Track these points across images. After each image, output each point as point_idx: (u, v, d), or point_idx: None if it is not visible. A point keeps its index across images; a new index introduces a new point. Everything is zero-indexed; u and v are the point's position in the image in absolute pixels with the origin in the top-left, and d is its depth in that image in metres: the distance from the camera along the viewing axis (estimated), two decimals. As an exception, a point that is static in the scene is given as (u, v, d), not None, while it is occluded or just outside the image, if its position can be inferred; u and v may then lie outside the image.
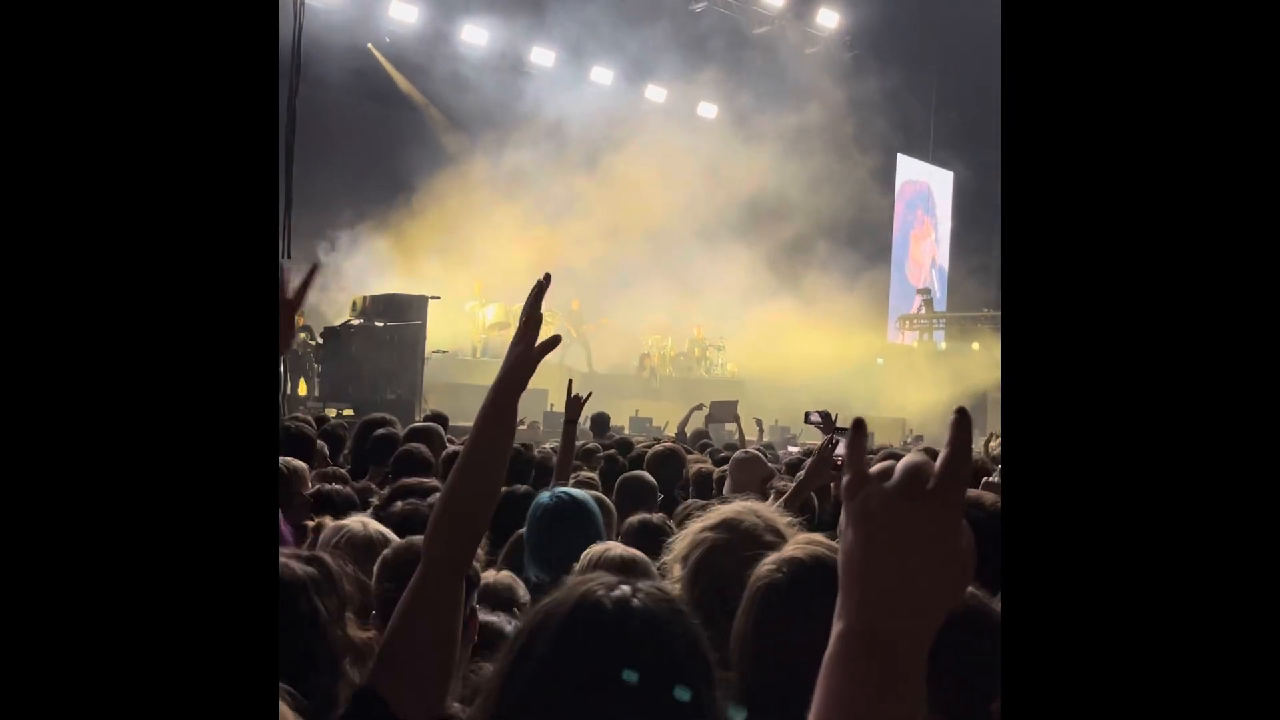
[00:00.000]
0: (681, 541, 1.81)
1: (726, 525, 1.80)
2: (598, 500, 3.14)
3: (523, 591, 2.40)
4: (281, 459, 3.25)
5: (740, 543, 1.75)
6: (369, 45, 18.56)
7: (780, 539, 1.72)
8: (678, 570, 1.79)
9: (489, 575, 2.41)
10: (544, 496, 2.87)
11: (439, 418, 6.40)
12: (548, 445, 6.68)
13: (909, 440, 13.54)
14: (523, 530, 2.94)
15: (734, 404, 10.56)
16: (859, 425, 0.84)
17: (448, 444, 5.07)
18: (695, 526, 1.82)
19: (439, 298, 12.79)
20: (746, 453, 4.41)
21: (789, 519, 1.89)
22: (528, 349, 1.50)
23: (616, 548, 2.32)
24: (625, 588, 1.08)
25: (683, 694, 1.00)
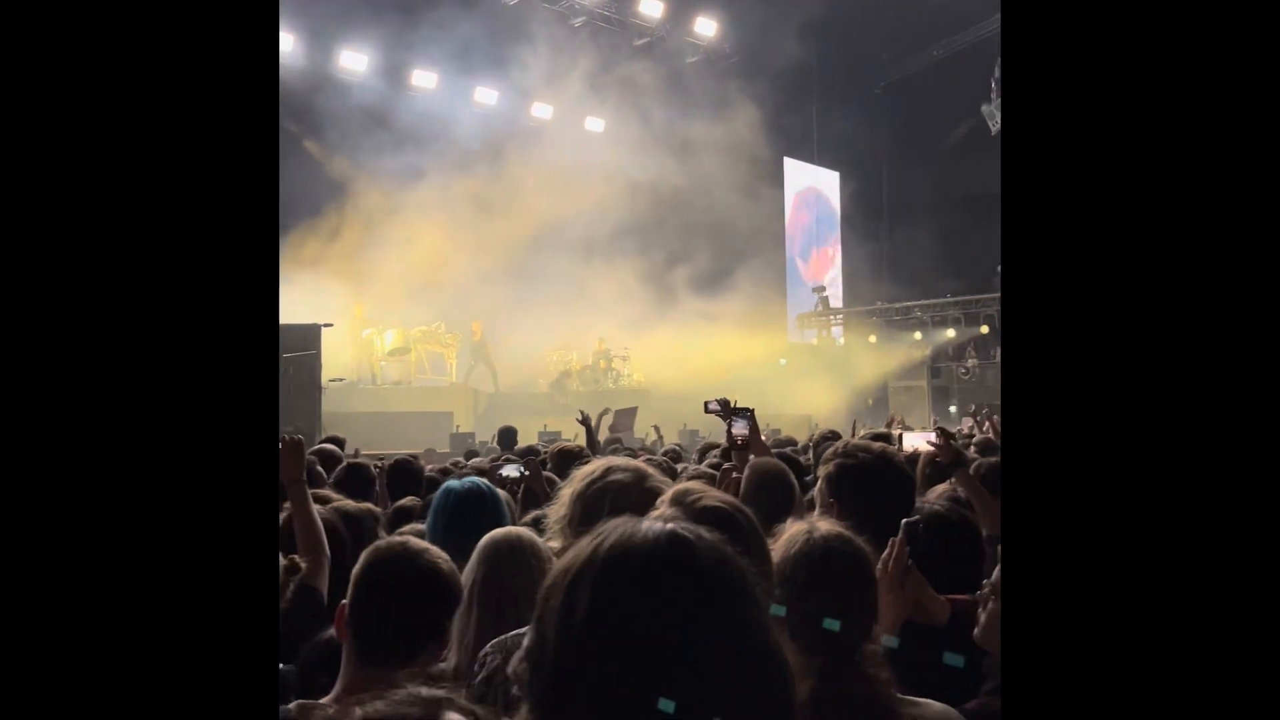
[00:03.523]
0: (561, 506, 1.77)
1: (611, 469, 1.77)
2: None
3: None
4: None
5: (637, 479, 1.73)
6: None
7: (653, 472, 1.73)
8: (560, 539, 1.74)
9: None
10: (453, 484, 2.83)
11: (335, 441, 6.32)
12: (450, 463, 6.58)
13: (814, 434, 13.78)
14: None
15: (633, 411, 10.62)
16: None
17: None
18: (572, 488, 1.77)
19: (331, 325, 12.48)
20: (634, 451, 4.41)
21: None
22: None
23: (515, 530, 2.28)
24: (657, 522, 0.98)
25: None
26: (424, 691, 1.08)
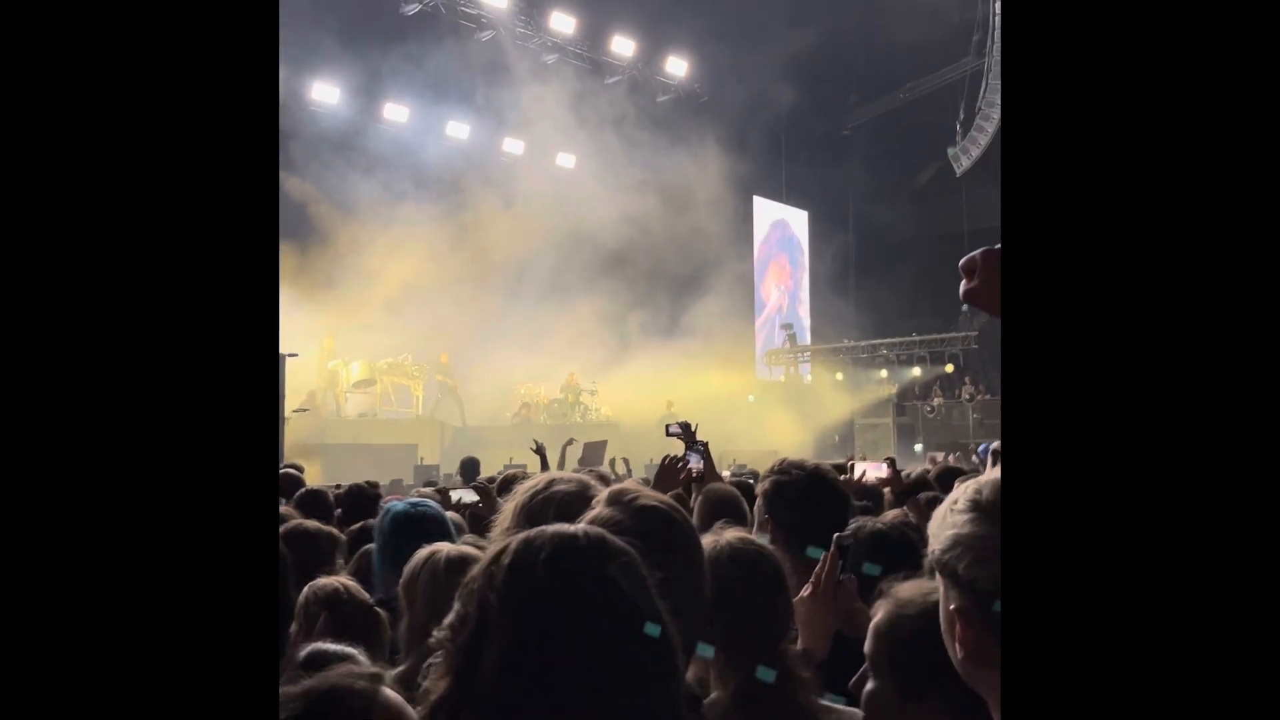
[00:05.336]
0: (504, 519, 1.77)
1: (554, 481, 1.78)
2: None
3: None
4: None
5: (580, 489, 1.74)
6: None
7: (596, 483, 1.74)
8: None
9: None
10: (396, 505, 2.83)
11: (295, 467, 6.29)
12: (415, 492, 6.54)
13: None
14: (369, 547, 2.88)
15: (603, 444, 10.60)
16: None
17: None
18: (516, 500, 1.77)
19: (296, 355, 12.40)
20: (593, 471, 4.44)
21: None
22: None
23: (445, 547, 2.29)
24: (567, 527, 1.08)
25: (653, 629, 1.03)
26: (365, 668, 1.21)
